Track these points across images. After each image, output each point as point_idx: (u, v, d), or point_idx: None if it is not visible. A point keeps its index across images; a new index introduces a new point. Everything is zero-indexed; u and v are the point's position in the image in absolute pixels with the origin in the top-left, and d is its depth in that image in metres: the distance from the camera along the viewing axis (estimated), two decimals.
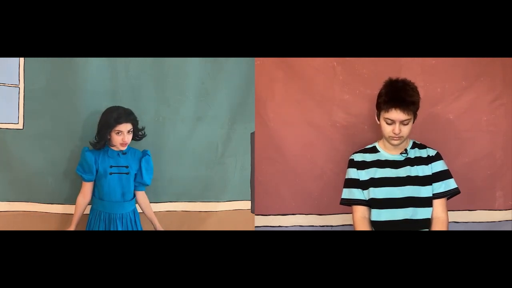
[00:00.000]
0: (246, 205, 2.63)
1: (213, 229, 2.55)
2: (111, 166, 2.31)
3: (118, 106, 2.31)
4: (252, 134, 2.60)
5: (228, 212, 2.62)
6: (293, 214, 2.60)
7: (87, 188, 2.33)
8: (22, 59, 2.35)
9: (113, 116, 2.26)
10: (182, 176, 2.56)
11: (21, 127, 2.37)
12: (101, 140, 2.28)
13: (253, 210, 2.62)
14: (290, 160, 2.59)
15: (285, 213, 2.60)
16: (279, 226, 2.60)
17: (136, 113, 2.35)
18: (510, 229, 2.55)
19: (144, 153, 2.39)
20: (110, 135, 2.28)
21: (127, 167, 2.34)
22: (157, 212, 2.53)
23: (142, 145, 2.40)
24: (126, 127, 2.28)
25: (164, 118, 2.52)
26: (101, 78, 2.43)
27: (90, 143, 2.30)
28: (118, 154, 2.34)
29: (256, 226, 2.60)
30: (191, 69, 2.52)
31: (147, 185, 2.40)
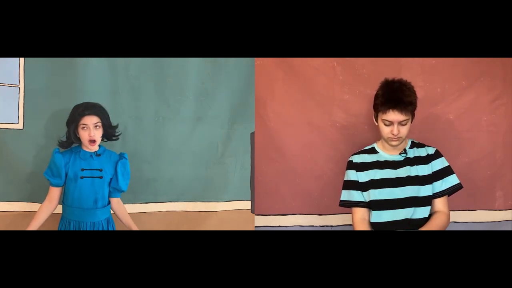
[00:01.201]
0: (246, 205, 2.63)
1: (213, 229, 2.55)
2: (82, 169, 2.18)
3: (87, 102, 2.22)
4: (252, 134, 2.60)
5: (228, 212, 2.62)
6: (293, 214, 2.60)
7: (54, 193, 2.21)
8: (22, 59, 2.35)
9: (78, 110, 2.15)
10: (182, 176, 2.56)
11: (21, 127, 2.37)
12: (69, 138, 2.18)
13: (253, 210, 2.62)
14: (290, 160, 2.58)
15: (285, 213, 2.60)
16: (279, 226, 2.60)
17: (136, 113, 2.35)
18: (510, 229, 2.55)
19: (121, 156, 2.28)
20: (77, 132, 2.16)
21: (100, 170, 2.22)
22: (157, 212, 2.53)
23: (141, 144, 2.40)
24: (91, 119, 2.15)
25: (164, 118, 2.52)
26: (101, 78, 2.43)
27: (58, 142, 2.20)
28: (91, 156, 2.21)
29: (256, 226, 2.60)
30: (191, 69, 2.53)
31: (123, 191, 2.31)
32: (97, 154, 2.22)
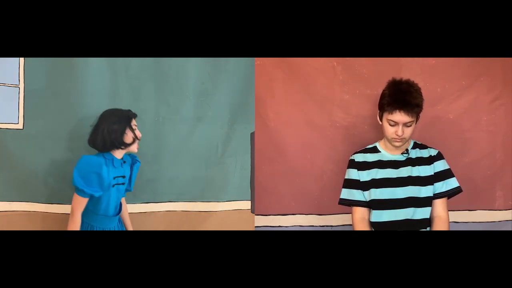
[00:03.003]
0: (246, 205, 2.63)
1: (213, 229, 2.55)
2: (114, 178, 2.16)
3: (116, 109, 2.23)
4: (252, 134, 2.60)
5: (228, 212, 2.62)
6: (293, 214, 2.60)
7: (85, 204, 2.11)
8: (22, 59, 2.35)
9: (124, 113, 2.18)
10: (182, 176, 2.56)
11: (21, 127, 2.37)
12: (115, 141, 2.13)
13: (253, 210, 2.62)
14: (290, 160, 2.59)
15: (285, 213, 2.60)
16: (279, 226, 2.60)
17: (136, 113, 2.35)
18: (510, 229, 2.55)
19: (134, 158, 2.31)
20: (126, 132, 2.14)
21: (124, 177, 2.24)
22: (157, 212, 2.53)
23: (141, 144, 2.39)
24: (134, 121, 2.22)
25: (164, 118, 2.52)
26: (101, 78, 2.43)
27: (101, 145, 2.13)
28: (121, 163, 2.22)
29: (256, 226, 2.60)
30: (191, 69, 2.52)
31: (131, 191, 2.36)
32: (124, 160, 2.24)
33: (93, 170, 2.08)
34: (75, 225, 2.08)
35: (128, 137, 2.17)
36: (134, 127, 2.20)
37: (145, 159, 2.48)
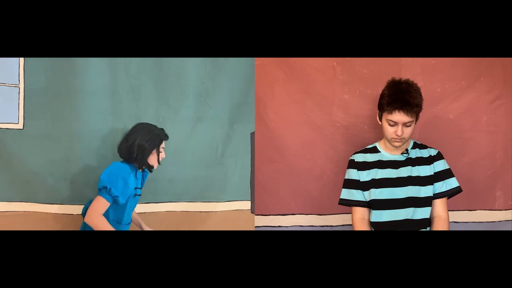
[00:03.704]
0: (246, 205, 2.63)
1: (213, 229, 2.55)
2: (135, 188, 2.20)
3: (147, 124, 2.24)
4: (252, 134, 2.60)
5: (228, 212, 2.62)
6: (293, 214, 2.60)
7: (106, 208, 2.08)
8: (22, 59, 2.35)
9: (156, 131, 2.20)
10: (182, 176, 2.56)
11: (21, 127, 2.37)
12: (142, 161, 2.17)
13: (253, 210, 2.62)
14: (290, 160, 2.59)
15: (285, 213, 2.60)
16: (279, 226, 2.60)
17: (136, 113, 2.35)
18: (510, 229, 2.55)
19: (145, 171, 2.30)
20: (152, 153, 2.19)
21: (140, 188, 2.28)
22: (157, 212, 2.53)
23: None
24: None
25: (164, 118, 2.52)
26: (101, 78, 2.43)
27: (133, 166, 2.17)
28: (141, 175, 2.27)
29: (256, 226, 2.60)
30: (191, 69, 2.53)
31: None
32: (142, 174, 2.27)
33: (121, 175, 2.08)
34: (102, 220, 2.03)
35: (152, 159, 2.20)
36: (161, 149, 2.23)
37: None
